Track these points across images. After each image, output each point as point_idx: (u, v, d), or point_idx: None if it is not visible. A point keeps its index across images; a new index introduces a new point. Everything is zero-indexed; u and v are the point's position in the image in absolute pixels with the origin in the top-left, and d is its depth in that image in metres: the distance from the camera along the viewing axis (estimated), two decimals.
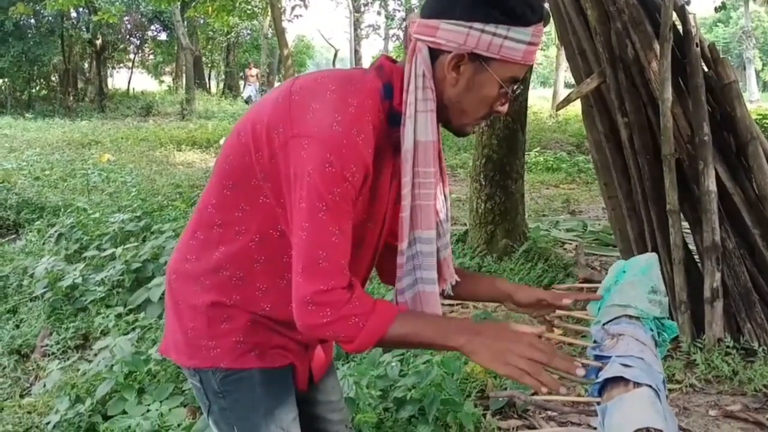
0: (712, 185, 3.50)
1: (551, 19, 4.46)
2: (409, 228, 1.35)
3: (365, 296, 1.27)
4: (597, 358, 1.34)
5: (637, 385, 1.20)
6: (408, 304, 1.42)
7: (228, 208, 1.34)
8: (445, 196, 1.47)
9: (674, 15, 3.67)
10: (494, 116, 1.38)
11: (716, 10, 9.03)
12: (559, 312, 1.67)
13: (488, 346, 1.22)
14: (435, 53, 1.28)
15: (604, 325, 1.44)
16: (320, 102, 1.24)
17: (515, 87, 1.32)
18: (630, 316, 1.44)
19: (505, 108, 1.34)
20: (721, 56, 3.75)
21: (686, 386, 3.23)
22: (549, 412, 3.05)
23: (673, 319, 3.55)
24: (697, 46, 3.63)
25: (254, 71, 23.27)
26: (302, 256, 1.23)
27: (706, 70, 3.70)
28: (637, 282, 1.51)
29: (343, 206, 1.23)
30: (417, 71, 1.28)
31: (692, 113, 3.60)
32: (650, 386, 1.20)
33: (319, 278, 1.22)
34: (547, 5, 4.88)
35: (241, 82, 32.28)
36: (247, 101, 23.37)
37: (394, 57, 1.38)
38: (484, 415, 2.92)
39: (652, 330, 1.45)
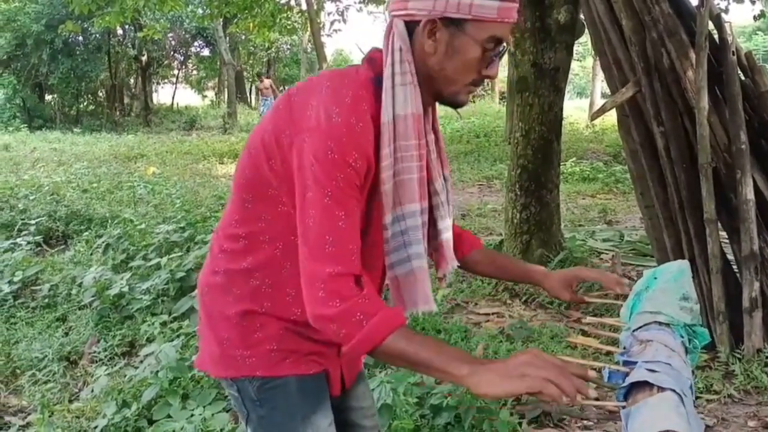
0: (750, 194, 3.46)
1: (587, 29, 4.47)
2: (394, 203, 1.35)
3: (376, 298, 1.24)
4: (625, 363, 1.35)
5: (662, 389, 1.21)
6: (399, 280, 1.41)
7: (251, 220, 1.38)
8: (445, 177, 1.48)
9: (710, 24, 3.65)
10: (485, 81, 1.36)
11: (755, 18, 8.88)
12: (590, 319, 1.71)
13: (493, 371, 1.12)
14: (411, 27, 1.30)
15: (634, 331, 1.46)
16: (317, 98, 1.27)
17: (501, 48, 1.30)
18: (660, 323, 1.45)
19: (494, 71, 1.32)
20: (760, 64, 3.72)
21: (725, 397, 3.20)
22: (585, 422, 3.05)
23: (711, 330, 3.52)
24: (733, 54, 3.60)
25: (267, 82, 21.41)
26: (309, 242, 1.23)
27: (743, 78, 3.67)
28: (668, 289, 1.51)
29: (347, 192, 1.23)
30: (394, 46, 1.30)
31: (729, 122, 3.57)
32: (674, 391, 1.22)
33: (328, 261, 1.21)
34: (582, 16, 4.90)
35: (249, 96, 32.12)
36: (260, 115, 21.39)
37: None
38: (520, 424, 2.93)
39: (682, 337, 1.45)
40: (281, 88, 31.09)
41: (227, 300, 1.42)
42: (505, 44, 1.31)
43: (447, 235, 1.49)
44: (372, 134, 1.27)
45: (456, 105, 1.37)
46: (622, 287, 1.58)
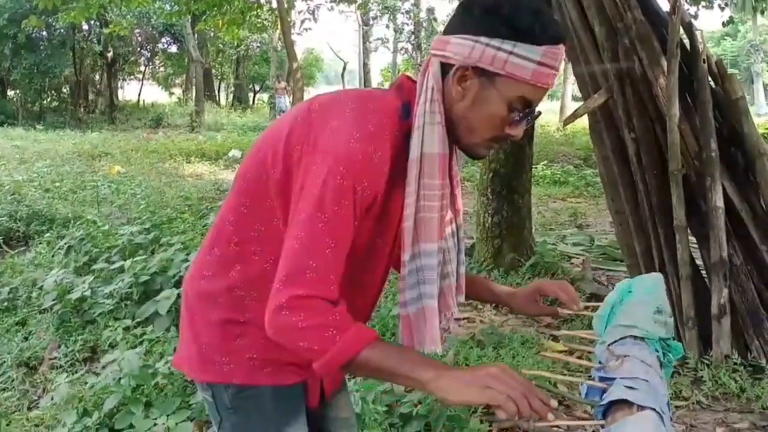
0: (719, 201, 3.49)
1: None
2: (413, 240, 1.33)
3: (347, 315, 1.23)
4: (602, 379, 1.34)
5: (641, 408, 1.20)
6: (410, 318, 1.40)
7: (244, 227, 1.35)
8: (458, 226, 1.46)
9: (681, 31, 3.67)
10: (508, 140, 1.34)
11: (724, 24, 9.06)
12: (565, 332, 1.69)
13: (457, 379, 1.13)
14: (446, 68, 1.29)
15: (609, 345, 1.44)
16: (339, 119, 1.25)
17: (529, 110, 1.28)
18: (635, 337, 1.44)
19: (518, 132, 1.30)
20: (729, 71, 3.75)
21: (693, 403, 3.21)
22: (555, 429, 3.03)
23: (680, 336, 3.54)
24: (704, 62, 3.64)
25: (283, 84, 23.39)
26: (289, 263, 1.21)
27: (713, 86, 3.71)
28: (642, 302, 1.50)
29: (344, 221, 1.22)
30: (427, 85, 1.29)
31: (700, 129, 3.60)
32: (654, 409, 1.20)
33: (301, 285, 1.19)
34: None
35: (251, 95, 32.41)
36: (278, 114, 23.55)
37: (410, 74, 1.39)
38: None
39: (657, 351, 1.44)
40: (259, 86, 30.98)
41: (210, 304, 1.40)
42: (535, 108, 1.29)
43: (449, 281, 1.45)
44: (388, 165, 1.25)
45: (473, 156, 1.37)
46: (577, 305, 1.56)
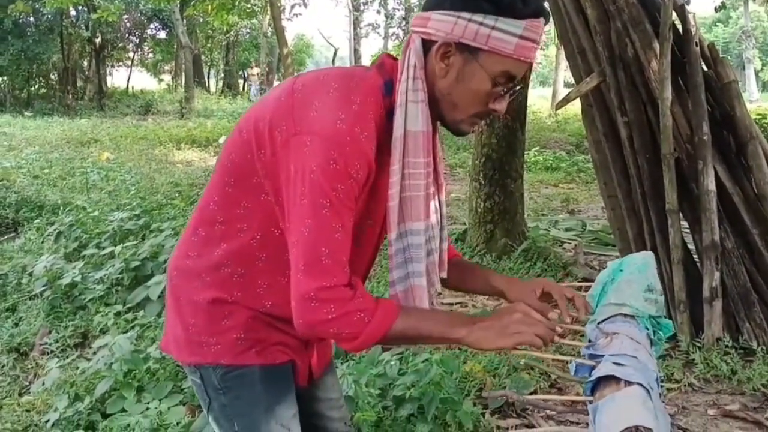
0: (711, 185, 3.49)
1: (551, 18, 4.46)
2: (399, 219, 1.34)
3: (368, 294, 1.27)
4: (591, 356, 1.35)
5: (629, 383, 1.21)
6: (400, 297, 1.41)
7: (230, 205, 1.34)
8: (440, 202, 1.45)
9: (674, 14, 3.66)
10: (492, 115, 1.35)
11: (716, 9, 9.07)
12: (556, 311, 1.67)
13: (489, 329, 1.26)
14: (428, 45, 1.28)
15: (599, 323, 1.44)
16: (323, 100, 1.24)
17: (512, 85, 1.29)
18: (625, 315, 1.44)
19: (501, 106, 1.31)
20: (721, 56, 3.75)
21: (685, 385, 3.23)
22: (547, 411, 3.04)
23: (672, 319, 3.55)
24: (696, 45, 3.63)
25: (255, 70, 23.59)
26: (304, 252, 1.22)
27: (705, 69, 3.70)
28: (633, 280, 1.50)
29: (346, 203, 1.22)
30: (409, 62, 1.28)
31: (692, 113, 3.59)
32: (642, 385, 1.21)
33: (322, 275, 1.22)
34: (546, 4, 4.88)
35: (241, 81, 32.44)
36: (251, 100, 23.85)
37: (394, 55, 1.38)
38: (483, 414, 2.92)
39: (647, 328, 1.45)
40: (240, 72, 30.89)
41: (196, 285, 1.39)
42: (517, 83, 1.31)
43: (433, 258, 1.46)
44: (374, 142, 1.25)
45: (457, 133, 1.36)
46: (587, 310, 1.51)
